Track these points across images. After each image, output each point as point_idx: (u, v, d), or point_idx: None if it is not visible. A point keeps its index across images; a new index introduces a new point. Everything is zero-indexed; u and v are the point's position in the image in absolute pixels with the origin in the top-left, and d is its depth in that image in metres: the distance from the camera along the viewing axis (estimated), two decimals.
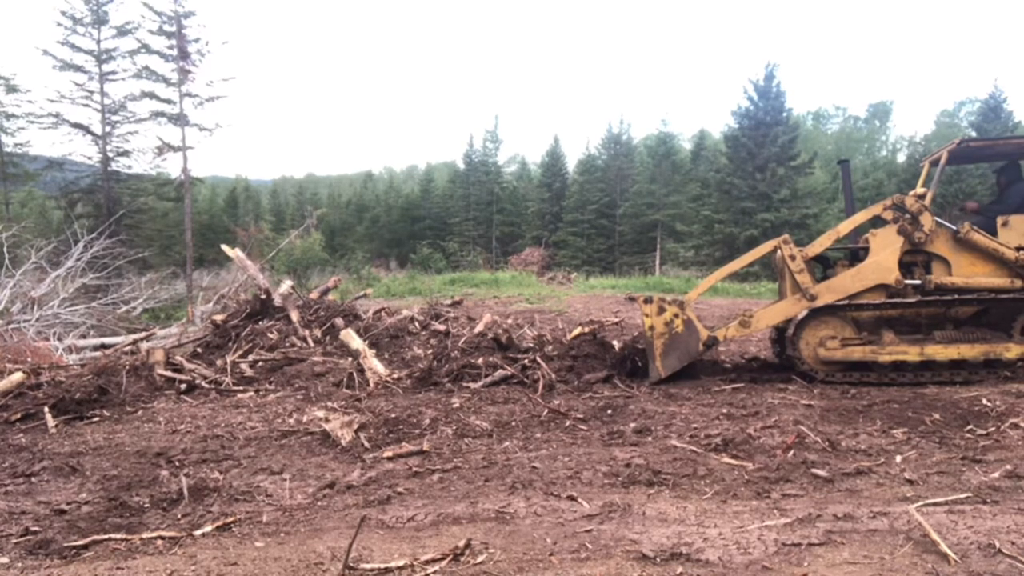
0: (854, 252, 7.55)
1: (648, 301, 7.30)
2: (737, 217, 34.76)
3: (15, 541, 3.57)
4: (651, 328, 7.20)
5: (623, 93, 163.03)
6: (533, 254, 40.99)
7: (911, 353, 6.82)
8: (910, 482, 4.04)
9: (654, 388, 6.96)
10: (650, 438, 5.14)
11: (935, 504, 3.57)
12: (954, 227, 7.03)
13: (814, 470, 4.26)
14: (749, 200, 34.40)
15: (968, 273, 7.00)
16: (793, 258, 7.20)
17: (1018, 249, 6.91)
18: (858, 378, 6.91)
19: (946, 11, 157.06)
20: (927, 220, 7.02)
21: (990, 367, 6.81)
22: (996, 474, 4.06)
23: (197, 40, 25.85)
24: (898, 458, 4.49)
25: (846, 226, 7.39)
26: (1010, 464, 4.21)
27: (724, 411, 5.78)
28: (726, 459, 4.55)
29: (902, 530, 3.19)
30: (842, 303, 7.05)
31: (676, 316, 7.21)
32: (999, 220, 7.04)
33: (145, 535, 3.57)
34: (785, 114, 36.43)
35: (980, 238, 6.93)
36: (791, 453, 4.61)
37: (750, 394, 6.49)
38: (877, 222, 7.32)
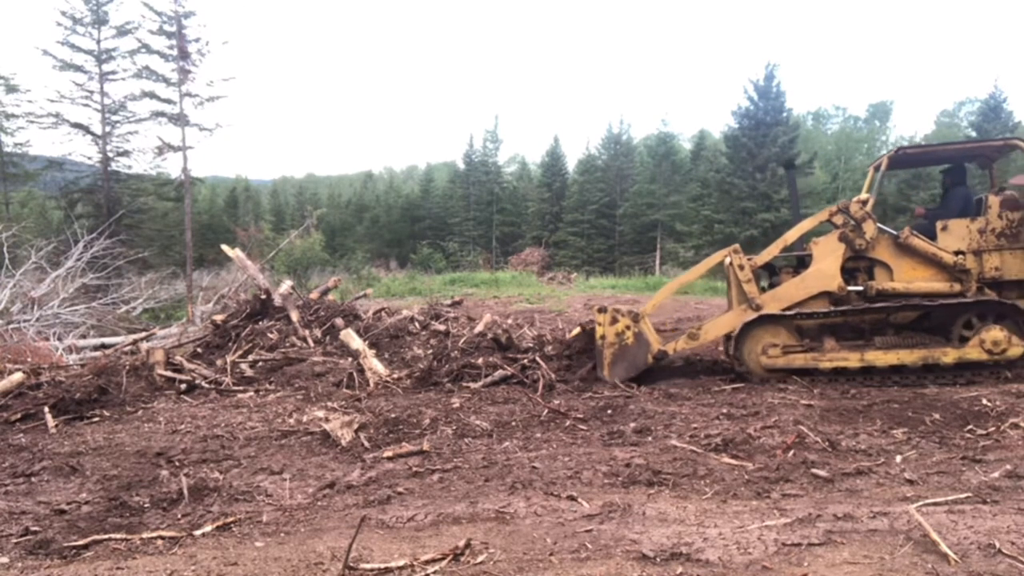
0: (801, 259, 7.59)
1: (602, 311, 7.37)
2: (737, 217, 34.76)
3: (15, 541, 3.57)
4: (602, 337, 7.27)
5: (623, 93, 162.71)
6: (533, 254, 40.99)
7: (851, 359, 6.88)
8: (910, 482, 4.04)
9: (654, 388, 6.97)
10: (650, 438, 5.14)
11: (935, 504, 3.57)
12: (895, 232, 7.07)
13: (814, 470, 4.26)
14: (749, 200, 34.40)
15: (909, 278, 7.05)
16: (742, 267, 7.24)
17: (957, 253, 6.94)
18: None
19: (946, 11, 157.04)
20: (869, 227, 7.07)
21: (929, 372, 6.84)
22: (996, 474, 4.06)
23: (197, 40, 25.77)
24: (898, 458, 4.50)
25: (793, 234, 7.43)
26: (1010, 464, 4.21)
27: (724, 411, 5.78)
28: (726, 459, 4.55)
29: (902, 530, 3.19)
30: (784, 312, 7.10)
31: (628, 328, 7.23)
32: (938, 224, 7.07)
33: (145, 535, 3.57)
34: (785, 114, 36.41)
35: (920, 243, 6.98)
36: (791, 453, 4.61)
37: (750, 394, 6.49)
38: (828, 228, 7.33)
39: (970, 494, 3.75)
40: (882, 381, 6.81)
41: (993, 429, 5.04)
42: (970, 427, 5.13)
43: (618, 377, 7.16)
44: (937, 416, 5.42)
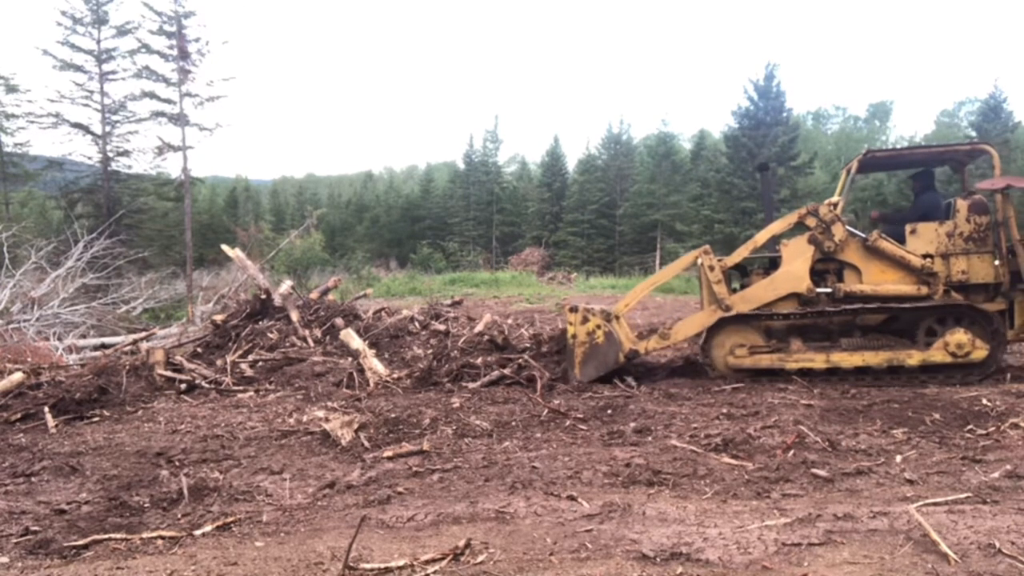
0: (773, 260, 7.63)
1: (573, 310, 7.40)
2: (737, 217, 34.74)
3: (15, 541, 3.58)
4: (573, 336, 7.30)
5: (623, 93, 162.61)
6: (533, 254, 40.99)
7: (817, 360, 6.96)
8: (910, 482, 4.04)
9: (654, 388, 6.97)
10: (650, 438, 5.14)
11: (935, 504, 3.57)
12: (864, 235, 7.11)
13: (814, 470, 4.26)
14: (749, 200, 34.37)
15: (877, 281, 7.09)
16: (712, 268, 7.29)
17: (924, 256, 6.97)
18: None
19: (946, 11, 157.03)
20: (838, 229, 7.11)
21: (894, 373, 6.88)
22: (996, 474, 4.06)
23: (197, 40, 25.80)
24: (898, 458, 4.49)
25: (763, 235, 7.48)
26: (1010, 464, 4.21)
27: (724, 411, 5.78)
28: (726, 459, 4.55)
29: (902, 530, 3.19)
30: (752, 312, 7.15)
31: (598, 327, 7.26)
32: (907, 228, 7.10)
33: (145, 535, 3.57)
34: (785, 114, 36.38)
35: (888, 246, 7.01)
36: (791, 453, 4.61)
37: (750, 394, 6.49)
38: (801, 229, 7.37)
39: (970, 494, 3.75)
40: (887, 384, 6.80)
41: (993, 429, 5.04)
42: (970, 427, 5.13)
43: (588, 376, 7.21)
44: (937, 416, 5.42)
